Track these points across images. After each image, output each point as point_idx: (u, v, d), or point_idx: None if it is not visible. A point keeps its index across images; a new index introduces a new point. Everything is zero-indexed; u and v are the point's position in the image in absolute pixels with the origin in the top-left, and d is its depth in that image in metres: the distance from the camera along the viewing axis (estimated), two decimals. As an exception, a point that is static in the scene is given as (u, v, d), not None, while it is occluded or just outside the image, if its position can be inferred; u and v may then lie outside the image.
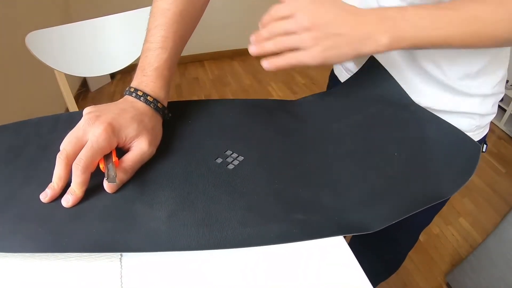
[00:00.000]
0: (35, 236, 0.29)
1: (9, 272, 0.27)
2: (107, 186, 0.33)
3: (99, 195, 0.33)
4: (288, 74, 2.81)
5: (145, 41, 0.43)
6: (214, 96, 2.45)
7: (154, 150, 0.37)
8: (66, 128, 0.43)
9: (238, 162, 0.37)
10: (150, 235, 0.29)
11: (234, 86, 2.61)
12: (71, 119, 0.45)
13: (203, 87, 2.60)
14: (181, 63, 3.04)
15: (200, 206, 0.32)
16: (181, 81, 2.71)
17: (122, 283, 0.27)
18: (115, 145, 0.35)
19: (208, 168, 0.36)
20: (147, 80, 0.40)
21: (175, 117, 0.45)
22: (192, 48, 3.07)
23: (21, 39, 0.81)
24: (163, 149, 0.39)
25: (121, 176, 0.33)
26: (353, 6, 0.34)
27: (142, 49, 0.42)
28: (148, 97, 0.38)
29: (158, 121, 0.40)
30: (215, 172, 0.36)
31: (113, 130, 0.34)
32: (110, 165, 0.33)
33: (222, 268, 0.28)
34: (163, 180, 0.35)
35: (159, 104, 0.39)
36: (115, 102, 0.39)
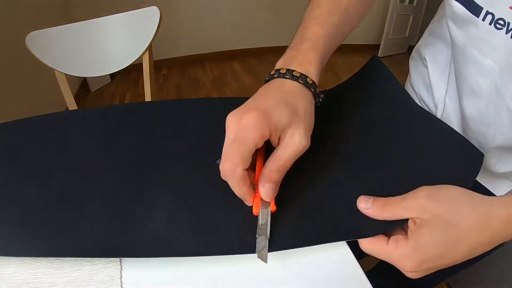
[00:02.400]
0: (35, 240, 0.28)
1: (8, 271, 0.27)
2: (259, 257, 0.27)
3: (99, 196, 0.33)
4: (288, 74, 2.79)
5: (301, 23, 0.37)
6: (214, 96, 2.45)
7: (308, 142, 0.30)
8: (66, 127, 0.43)
9: None
10: (150, 240, 0.29)
11: (234, 86, 2.61)
12: (71, 118, 0.45)
13: (203, 87, 2.61)
14: (181, 63, 3.04)
15: (200, 209, 0.31)
16: (181, 81, 2.71)
17: (122, 283, 0.27)
18: (266, 136, 0.28)
19: (208, 169, 0.36)
20: (297, 54, 0.33)
21: (175, 117, 0.45)
22: (192, 48, 3.07)
23: (21, 39, 0.81)
24: (163, 149, 0.39)
25: (274, 178, 0.28)
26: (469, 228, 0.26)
27: (296, 32, 0.37)
28: (294, 72, 0.31)
29: (310, 101, 0.32)
30: (215, 174, 0.36)
31: (264, 115, 0.28)
32: (263, 223, 0.28)
33: (222, 268, 0.28)
34: (163, 181, 0.35)
35: (308, 79, 0.32)
36: (256, 94, 0.32)
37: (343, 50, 3.81)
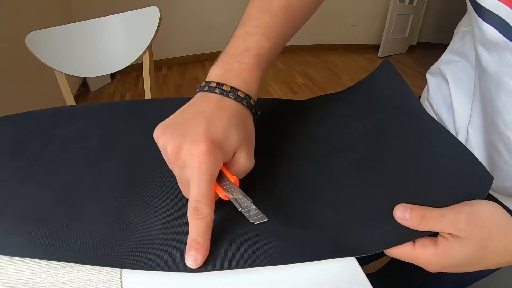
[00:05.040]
0: (33, 242, 0.28)
1: (8, 271, 0.27)
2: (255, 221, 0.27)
3: (99, 198, 0.33)
4: (288, 74, 2.80)
5: (241, 24, 0.36)
6: (214, 96, 2.45)
7: (253, 163, 0.31)
8: (67, 122, 0.43)
9: None
10: (148, 250, 0.28)
11: (234, 86, 2.61)
12: (73, 113, 0.46)
13: (203, 87, 2.60)
14: (181, 63, 3.04)
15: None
16: (181, 81, 2.71)
17: (122, 283, 0.27)
18: (222, 164, 0.28)
19: None
20: (240, 68, 0.32)
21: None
22: (192, 48, 3.07)
23: (21, 39, 0.81)
24: (161, 153, 0.39)
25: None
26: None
27: (235, 33, 0.35)
28: (239, 92, 0.30)
29: (251, 122, 0.33)
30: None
31: (216, 146, 0.27)
32: (239, 197, 0.27)
33: (223, 270, 0.28)
34: (161, 184, 0.34)
35: (251, 101, 0.32)
36: (188, 105, 0.31)
37: (343, 50, 3.83)
